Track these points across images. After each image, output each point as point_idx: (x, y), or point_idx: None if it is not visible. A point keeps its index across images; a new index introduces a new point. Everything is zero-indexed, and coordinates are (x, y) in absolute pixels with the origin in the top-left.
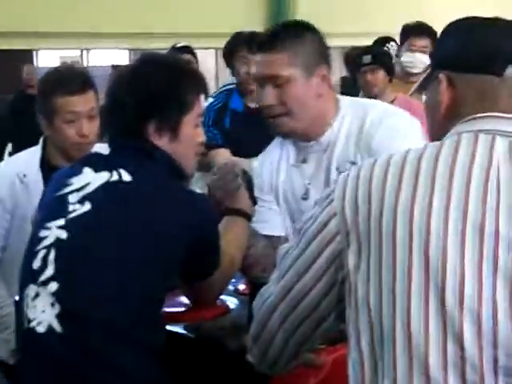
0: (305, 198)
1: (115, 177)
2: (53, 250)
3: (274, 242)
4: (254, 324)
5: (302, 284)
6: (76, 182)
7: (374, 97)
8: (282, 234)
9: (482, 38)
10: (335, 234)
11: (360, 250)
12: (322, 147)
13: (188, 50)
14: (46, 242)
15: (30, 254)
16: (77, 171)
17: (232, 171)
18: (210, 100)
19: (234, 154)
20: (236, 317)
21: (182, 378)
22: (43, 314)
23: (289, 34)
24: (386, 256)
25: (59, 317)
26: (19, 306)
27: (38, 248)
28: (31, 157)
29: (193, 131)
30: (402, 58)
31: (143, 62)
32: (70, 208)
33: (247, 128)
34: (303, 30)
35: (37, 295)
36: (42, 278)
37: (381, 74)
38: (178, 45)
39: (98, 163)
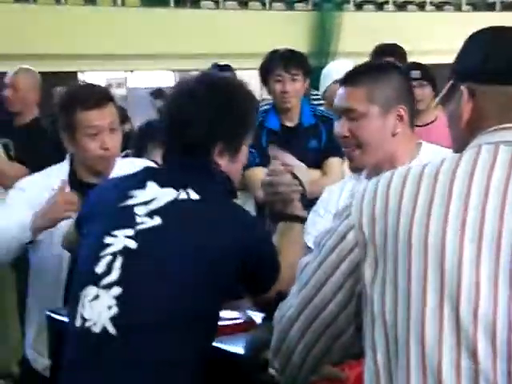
0: None
1: (183, 195)
2: (120, 257)
3: None
4: (274, 337)
5: (321, 296)
6: (140, 195)
7: (419, 112)
8: None
9: (506, 49)
10: (353, 246)
11: (376, 263)
12: None
13: (228, 68)
14: (113, 249)
15: (92, 258)
16: (139, 184)
17: (286, 175)
18: None
19: None
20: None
21: None
22: (99, 315)
23: (371, 70)
24: (402, 269)
25: (113, 320)
26: (72, 306)
27: (103, 253)
28: (59, 171)
29: (245, 151)
30: None
31: (210, 85)
32: (138, 220)
33: (284, 147)
34: (387, 68)
35: (96, 297)
36: (105, 281)
37: (428, 90)
38: (219, 63)
39: (162, 179)
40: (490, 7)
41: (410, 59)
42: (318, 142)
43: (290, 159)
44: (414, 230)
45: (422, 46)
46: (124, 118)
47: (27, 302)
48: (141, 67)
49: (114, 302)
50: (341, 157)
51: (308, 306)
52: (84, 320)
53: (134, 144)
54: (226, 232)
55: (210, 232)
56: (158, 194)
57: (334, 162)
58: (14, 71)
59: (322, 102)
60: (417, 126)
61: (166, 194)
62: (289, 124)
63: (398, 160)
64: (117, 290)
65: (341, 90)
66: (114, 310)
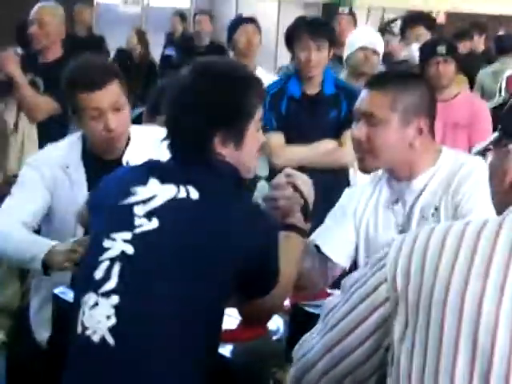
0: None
1: (183, 193)
2: (118, 263)
3: (328, 266)
4: (293, 370)
5: (347, 344)
6: (141, 192)
7: (442, 88)
8: (342, 264)
9: None
10: (384, 299)
11: (407, 322)
12: (414, 191)
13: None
14: (111, 254)
15: (93, 262)
16: (142, 180)
17: (286, 186)
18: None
19: (289, 139)
20: (274, 341)
21: None
22: (98, 324)
23: (397, 78)
24: (433, 333)
25: (112, 330)
26: (74, 311)
27: (102, 258)
28: (72, 147)
29: (255, 136)
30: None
31: (204, 73)
32: (137, 222)
33: (304, 114)
34: (413, 78)
35: (96, 304)
36: (104, 289)
37: (452, 67)
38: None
39: (164, 174)
40: None
41: None
42: (337, 112)
43: (293, 171)
44: (449, 295)
45: None
46: (143, 42)
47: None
48: None
49: (112, 311)
50: None
51: (332, 350)
52: (84, 328)
53: (151, 101)
54: (225, 235)
55: (209, 236)
56: (158, 191)
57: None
58: (37, 6)
59: None
60: (438, 101)
61: (166, 192)
62: (310, 92)
63: (415, 168)
64: (115, 299)
65: (364, 93)
66: (113, 321)
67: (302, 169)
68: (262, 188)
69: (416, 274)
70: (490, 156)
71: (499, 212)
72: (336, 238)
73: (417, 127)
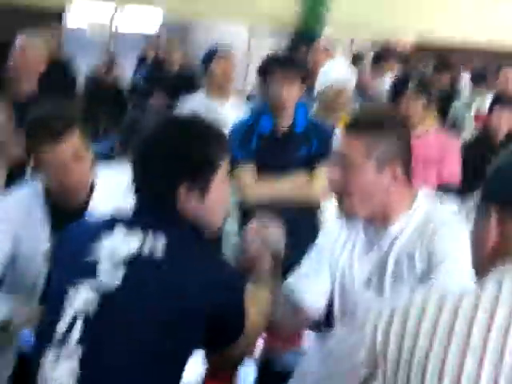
0: (367, 286)
1: (147, 250)
2: (80, 317)
3: (304, 311)
4: None
5: None
6: (107, 243)
7: (412, 124)
8: (318, 307)
9: None
10: (362, 364)
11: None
12: (389, 236)
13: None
14: (74, 307)
15: (55, 314)
16: (107, 231)
17: (257, 238)
18: (235, 115)
19: (260, 175)
20: None
21: None
22: (61, 378)
23: (372, 124)
24: None
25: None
26: (35, 361)
27: (64, 311)
28: (34, 193)
29: (220, 189)
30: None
31: (169, 125)
32: (102, 277)
33: (274, 151)
34: (388, 122)
35: (58, 359)
36: (66, 343)
37: (422, 103)
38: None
39: (129, 226)
40: None
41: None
42: (308, 148)
43: (262, 222)
44: (428, 369)
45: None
46: (111, 64)
47: None
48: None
49: (75, 364)
50: None
51: None
52: (46, 381)
53: (123, 134)
54: (189, 295)
55: (173, 295)
56: (123, 243)
57: (322, 171)
58: (21, 39)
59: None
60: None
61: (131, 246)
62: (281, 128)
63: (391, 214)
64: (78, 352)
65: (343, 136)
66: (76, 374)
67: (272, 204)
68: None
69: (395, 343)
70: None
71: (481, 276)
72: (312, 284)
73: (392, 173)
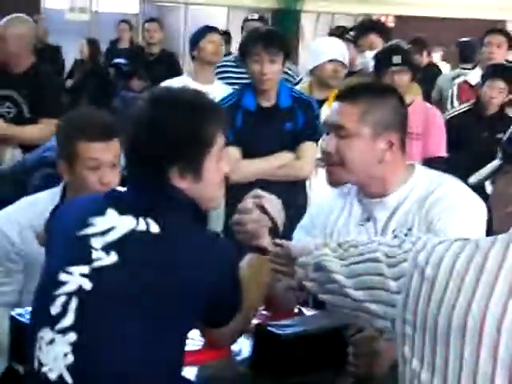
0: None
1: (142, 226)
2: (74, 298)
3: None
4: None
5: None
6: (99, 223)
7: None
8: None
9: None
10: (399, 291)
11: (414, 323)
12: (386, 208)
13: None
14: (67, 289)
15: (48, 296)
16: (99, 210)
17: (254, 209)
18: (222, 96)
19: (245, 153)
20: (238, 362)
21: None
22: (55, 361)
23: (371, 91)
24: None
25: (70, 368)
26: (30, 345)
27: (58, 293)
28: (48, 205)
29: (216, 166)
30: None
31: (157, 104)
32: (94, 255)
33: (259, 127)
34: (385, 91)
35: (52, 341)
36: (60, 325)
37: (407, 77)
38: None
39: (122, 205)
40: None
41: None
42: (293, 124)
43: (261, 192)
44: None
45: None
46: (95, 51)
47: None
48: None
49: (69, 348)
50: (315, 141)
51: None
52: (40, 364)
53: None
54: (185, 270)
55: (169, 270)
56: (116, 223)
57: (308, 146)
58: (3, 21)
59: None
60: None
61: (125, 224)
62: (265, 104)
63: (386, 185)
64: (72, 336)
65: (335, 105)
66: (70, 359)
67: (258, 182)
68: (217, 216)
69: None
70: (489, 184)
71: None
72: None
73: (387, 141)
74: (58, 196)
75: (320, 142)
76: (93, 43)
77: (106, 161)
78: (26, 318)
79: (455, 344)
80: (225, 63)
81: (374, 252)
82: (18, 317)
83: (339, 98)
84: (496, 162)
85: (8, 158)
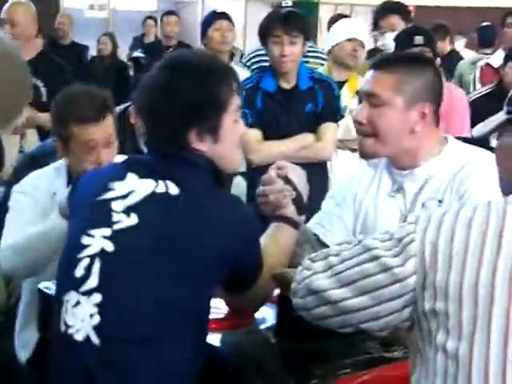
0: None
1: (162, 188)
2: (97, 260)
3: None
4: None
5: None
6: (119, 187)
7: None
8: None
9: None
10: (412, 273)
11: (436, 296)
12: (416, 180)
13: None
14: (90, 251)
15: (71, 259)
16: (119, 175)
17: (277, 179)
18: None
19: (266, 135)
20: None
21: None
22: (82, 322)
23: (405, 60)
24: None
25: (97, 329)
26: (57, 309)
27: (81, 256)
28: (58, 174)
29: (233, 127)
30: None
31: (172, 69)
32: (115, 218)
33: (280, 109)
34: (422, 62)
35: (78, 303)
36: (85, 287)
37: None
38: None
39: (142, 169)
40: None
41: None
42: (314, 105)
43: (284, 162)
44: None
45: None
46: (115, 45)
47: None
48: None
49: (95, 309)
50: (336, 122)
51: (344, 303)
52: (67, 326)
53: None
54: (205, 231)
55: (189, 231)
56: (136, 186)
57: (328, 127)
58: (8, 5)
59: (319, 56)
60: None
61: (145, 187)
62: (285, 86)
63: (417, 156)
64: (97, 297)
65: (369, 74)
66: (97, 319)
67: None
68: (238, 185)
69: (444, 253)
70: (495, 139)
71: (506, 193)
72: (335, 227)
73: (420, 112)
74: (64, 171)
75: (353, 113)
76: (113, 38)
77: (99, 141)
78: (53, 290)
79: (484, 304)
80: (258, 53)
81: (369, 251)
82: (45, 289)
83: (375, 66)
84: (501, 116)
85: (30, 141)
